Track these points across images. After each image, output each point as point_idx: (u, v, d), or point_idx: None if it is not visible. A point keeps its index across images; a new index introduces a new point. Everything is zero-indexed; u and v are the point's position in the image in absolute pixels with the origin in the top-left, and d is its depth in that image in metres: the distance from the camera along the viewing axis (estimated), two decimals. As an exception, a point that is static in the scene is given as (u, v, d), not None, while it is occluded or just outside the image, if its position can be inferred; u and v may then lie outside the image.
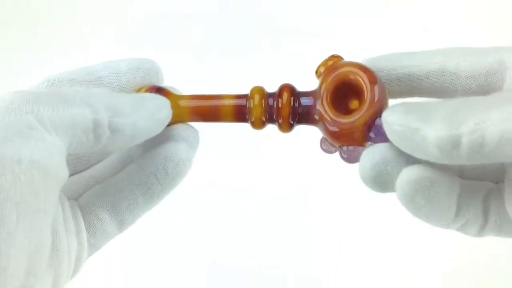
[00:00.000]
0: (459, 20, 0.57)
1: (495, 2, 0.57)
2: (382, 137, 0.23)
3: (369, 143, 0.24)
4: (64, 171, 0.20)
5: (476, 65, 0.23)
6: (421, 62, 0.24)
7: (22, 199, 0.18)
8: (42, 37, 0.62)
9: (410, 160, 0.22)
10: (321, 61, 0.25)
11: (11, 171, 0.17)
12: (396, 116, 0.21)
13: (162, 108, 0.24)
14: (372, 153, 0.23)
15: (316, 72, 0.25)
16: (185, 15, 0.61)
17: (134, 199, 0.23)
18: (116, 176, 0.24)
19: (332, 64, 0.25)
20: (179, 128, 0.26)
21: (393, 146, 0.22)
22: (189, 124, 0.26)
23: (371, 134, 0.24)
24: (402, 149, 0.22)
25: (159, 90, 0.26)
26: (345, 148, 0.24)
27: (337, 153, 0.25)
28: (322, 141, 0.26)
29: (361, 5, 0.58)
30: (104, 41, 0.61)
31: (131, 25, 0.61)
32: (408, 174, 0.22)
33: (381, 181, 0.22)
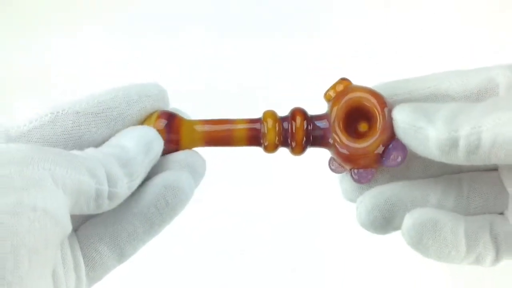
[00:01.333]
0: (459, 19, 0.57)
1: (495, 2, 0.56)
2: (393, 160, 0.25)
3: (380, 165, 0.25)
4: (69, 225, 0.21)
5: (467, 85, 0.25)
6: (414, 88, 0.26)
7: (35, 246, 0.18)
8: (34, 20, 0.61)
9: (403, 201, 0.25)
10: (330, 85, 0.26)
11: (27, 218, 0.18)
12: (403, 114, 0.24)
13: (151, 147, 0.24)
14: (364, 202, 0.25)
15: (325, 95, 0.26)
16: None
17: (134, 230, 0.23)
18: (116, 207, 0.24)
19: (343, 89, 0.25)
20: (185, 154, 0.25)
21: (383, 191, 0.25)
22: (195, 151, 0.26)
23: (383, 158, 0.25)
24: (407, 144, 0.24)
25: (171, 117, 0.26)
26: (355, 170, 0.25)
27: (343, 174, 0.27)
28: (331, 161, 0.26)
29: (360, 5, 0.58)
30: (97, 28, 0.60)
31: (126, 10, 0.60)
32: (412, 218, 0.24)
33: (378, 225, 0.25)
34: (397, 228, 0.25)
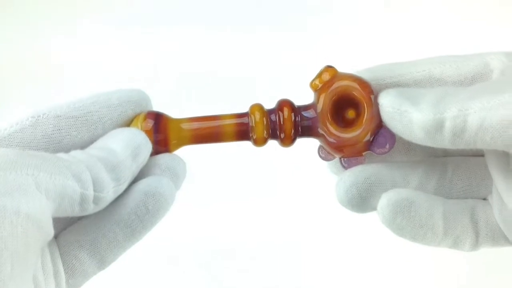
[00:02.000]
0: (458, 16, 0.57)
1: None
2: (381, 148, 0.25)
3: (368, 152, 0.25)
4: (52, 230, 0.21)
5: (462, 70, 0.25)
6: (407, 71, 0.25)
7: (17, 249, 0.18)
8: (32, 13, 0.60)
9: (382, 181, 0.25)
10: (315, 73, 0.26)
11: (10, 222, 0.18)
12: (388, 99, 0.23)
13: (139, 151, 0.24)
14: (343, 179, 0.25)
15: (311, 84, 0.26)
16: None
17: (114, 237, 0.23)
18: (96, 213, 0.23)
19: (329, 78, 0.25)
20: (166, 158, 0.25)
21: (364, 169, 0.25)
22: (175, 155, 0.26)
23: (372, 146, 0.25)
24: (392, 129, 0.24)
25: (158, 117, 0.25)
26: (345, 158, 0.25)
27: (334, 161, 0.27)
28: (320, 149, 0.26)
29: (360, 4, 0.58)
30: (96, 22, 0.60)
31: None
32: (386, 198, 0.24)
33: (355, 203, 0.25)
34: (375, 208, 0.24)
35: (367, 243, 0.54)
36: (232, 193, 0.54)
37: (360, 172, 0.25)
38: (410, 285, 0.54)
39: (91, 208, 0.22)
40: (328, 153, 0.26)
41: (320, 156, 0.27)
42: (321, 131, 0.25)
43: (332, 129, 0.25)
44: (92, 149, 0.23)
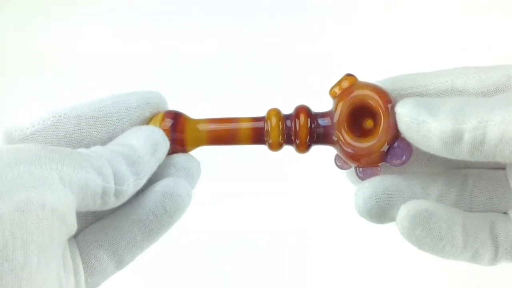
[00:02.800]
0: (458, 16, 0.56)
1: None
2: (398, 159, 0.25)
3: (384, 163, 0.25)
4: (75, 223, 0.21)
5: (485, 82, 0.24)
6: (430, 82, 0.25)
7: (43, 242, 0.19)
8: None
9: (402, 192, 0.24)
10: (335, 81, 0.25)
11: (36, 215, 0.19)
12: (406, 108, 0.23)
13: (158, 147, 0.24)
14: (362, 190, 0.24)
15: (330, 91, 0.26)
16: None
17: (133, 237, 0.23)
18: (115, 213, 0.24)
19: (348, 87, 0.25)
20: (181, 158, 0.26)
21: (383, 180, 0.24)
22: (190, 155, 0.26)
23: (388, 157, 0.25)
24: (410, 139, 0.23)
25: (176, 116, 0.26)
26: (360, 168, 0.25)
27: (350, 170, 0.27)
28: (337, 157, 0.26)
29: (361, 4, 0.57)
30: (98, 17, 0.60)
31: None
32: (406, 209, 0.23)
33: (374, 214, 0.24)
34: (393, 219, 0.24)
35: (376, 239, 0.54)
36: (246, 189, 0.55)
37: (379, 182, 0.24)
38: (416, 284, 0.54)
39: (112, 202, 0.22)
40: (344, 162, 0.26)
41: (337, 165, 0.27)
42: (336, 139, 0.25)
43: (347, 137, 0.25)
44: (113, 145, 0.24)
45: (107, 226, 0.24)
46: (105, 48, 0.57)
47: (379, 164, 0.25)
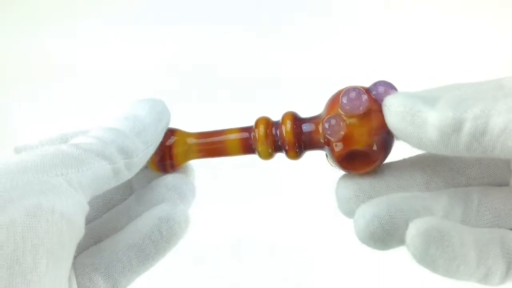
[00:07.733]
0: (458, 16, 0.56)
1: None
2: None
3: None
4: (83, 228, 0.21)
5: (480, 89, 0.23)
6: None
7: (52, 247, 0.19)
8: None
9: (405, 213, 0.22)
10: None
11: (46, 220, 0.19)
12: (399, 99, 0.22)
13: (162, 116, 0.25)
14: (362, 212, 0.22)
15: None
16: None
17: (129, 261, 0.23)
18: (112, 237, 0.24)
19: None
20: (176, 181, 0.26)
21: (383, 201, 0.22)
22: (181, 175, 0.26)
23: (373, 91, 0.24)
24: (401, 132, 0.22)
25: (170, 131, 0.26)
26: (345, 96, 0.23)
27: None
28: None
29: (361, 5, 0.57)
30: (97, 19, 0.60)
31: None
32: (415, 228, 0.21)
33: (378, 238, 0.22)
34: (398, 242, 0.22)
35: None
36: (245, 193, 0.55)
37: (379, 203, 0.22)
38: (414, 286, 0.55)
39: (126, 175, 0.23)
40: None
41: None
42: (322, 140, 0.24)
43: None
44: (115, 120, 0.25)
45: (104, 249, 0.24)
46: (94, 57, 0.57)
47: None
